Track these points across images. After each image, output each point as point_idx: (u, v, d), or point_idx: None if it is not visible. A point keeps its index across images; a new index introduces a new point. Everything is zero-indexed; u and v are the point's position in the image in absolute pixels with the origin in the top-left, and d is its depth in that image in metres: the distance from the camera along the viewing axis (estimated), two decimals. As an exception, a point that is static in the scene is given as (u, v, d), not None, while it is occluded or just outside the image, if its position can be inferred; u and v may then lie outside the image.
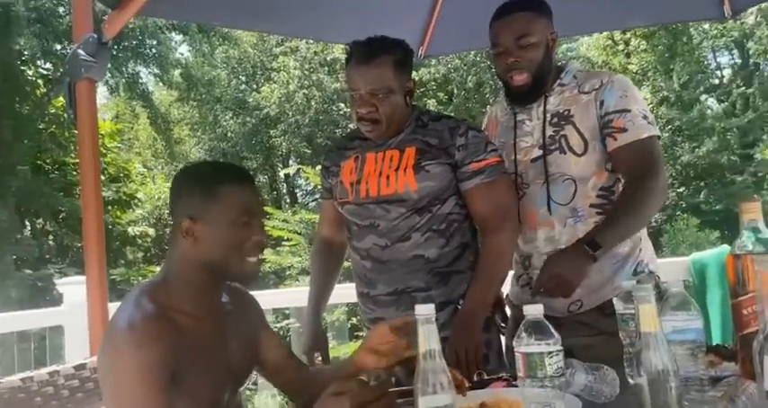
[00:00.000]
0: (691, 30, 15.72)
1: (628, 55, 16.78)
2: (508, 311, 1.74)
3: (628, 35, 16.52)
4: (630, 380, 1.25)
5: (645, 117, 1.55)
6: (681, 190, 15.21)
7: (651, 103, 16.10)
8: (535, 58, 1.57)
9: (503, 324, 1.70)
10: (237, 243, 1.13)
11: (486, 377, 1.34)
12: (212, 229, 1.11)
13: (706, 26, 15.64)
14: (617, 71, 16.94)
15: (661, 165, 1.54)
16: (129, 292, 1.12)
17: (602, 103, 1.56)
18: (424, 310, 0.89)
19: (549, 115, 1.61)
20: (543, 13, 1.60)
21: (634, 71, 16.52)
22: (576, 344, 1.37)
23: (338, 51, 13.59)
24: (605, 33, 16.73)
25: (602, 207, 1.59)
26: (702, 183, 15.26)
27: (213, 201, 1.12)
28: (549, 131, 1.60)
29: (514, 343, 0.88)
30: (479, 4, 1.70)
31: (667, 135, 15.39)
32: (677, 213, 14.56)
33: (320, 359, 1.71)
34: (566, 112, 1.60)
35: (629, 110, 1.54)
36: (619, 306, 1.30)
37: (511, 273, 1.75)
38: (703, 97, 16.02)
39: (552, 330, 0.86)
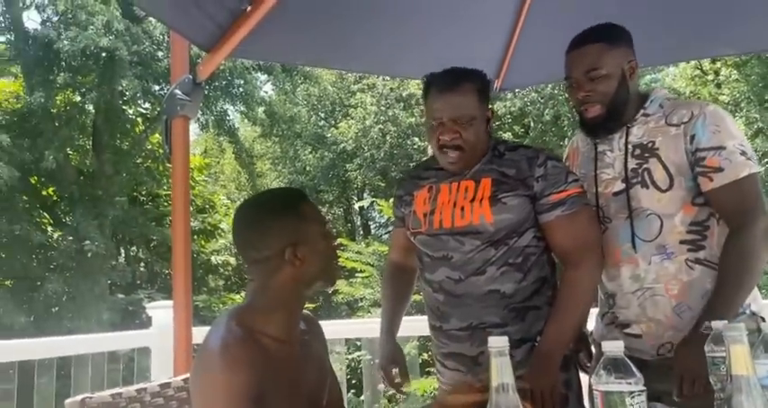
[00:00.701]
0: (787, 57, 14.84)
1: (718, 85, 15.99)
2: (593, 349, 1.67)
3: (718, 65, 15.78)
4: (723, 429, 1.17)
5: (743, 153, 1.44)
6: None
7: (746, 135, 15.20)
8: (608, 91, 1.52)
9: (588, 363, 1.63)
10: (333, 251, 1.25)
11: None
12: (313, 247, 1.19)
13: (804, 54, 14.71)
14: (707, 101, 16.18)
15: (764, 204, 1.43)
16: (219, 317, 1.17)
17: (692, 138, 1.47)
18: (498, 342, 0.88)
19: (631, 146, 1.54)
20: (618, 42, 1.55)
21: (726, 102, 15.69)
22: (664, 390, 1.30)
23: (413, 87, 13.85)
24: (693, 63, 16.11)
25: (694, 243, 1.48)
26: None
27: (305, 222, 1.20)
28: (632, 164, 1.53)
29: (593, 381, 0.84)
30: (556, 35, 1.66)
31: (764, 169, 14.41)
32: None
33: (398, 372, 1.67)
34: (650, 144, 1.52)
35: (725, 148, 1.44)
36: (709, 347, 1.23)
37: (595, 311, 1.68)
38: (804, 128, 14.94)
39: (634, 369, 0.82)
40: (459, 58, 1.57)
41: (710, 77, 16.20)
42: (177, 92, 2.01)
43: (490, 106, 1.58)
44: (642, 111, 1.56)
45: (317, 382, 1.26)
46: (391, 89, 14.46)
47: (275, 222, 1.19)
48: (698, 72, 16.48)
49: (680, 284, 1.48)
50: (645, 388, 0.82)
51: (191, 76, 2.02)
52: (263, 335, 1.12)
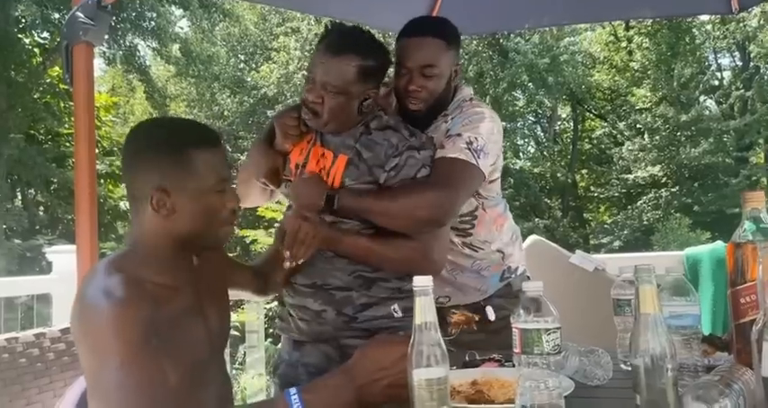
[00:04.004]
0: (693, 30, 15.72)
1: (630, 52, 16.75)
2: None
3: (631, 32, 16.49)
4: (623, 366, 1.26)
5: (469, 143, 1.48)
6: (675, 189, 15.29)
7: (651, 102, 16.14)
8: (436, 90, 1.53)
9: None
10: (214, 213, 1.07)
11: (478, 358, 1.33)
12: (187, 201, 1.04)
13: (709, 27, 15.64)
14: (618, 67, 16.96)
15: (449, 183, 1.44)
16: (95, 265, 1.05)
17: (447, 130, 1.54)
18: (422, 281, 0.87)
19: None
20: (454, 43, 1.56)
21: (635, 68, 16.50)
22: None
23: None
24: (608, 28, 16.72)
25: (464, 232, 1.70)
26: (696, 184, 15.33)
27: (187, 171, 1.04)
28: None
29: (512, 319, 0.86)
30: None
31: (665, 134, 15.42)
32: (670, 212, 14.64)
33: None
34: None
35: (460, 135, 1.49)
36: (615, 291, 1.30)
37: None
38: (702, 98, 16.05)
39: (551, 307, 0.85)
40: (386, 8, 1.46)
41: (624, 44, 16.92)
42: (79, 14, 1.82)
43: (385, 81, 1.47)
44: (444, 112, 1.60)
45: (220, 314, 1.17)
46: (316, 34, 14.01)
47: (149, 159, 1.04)
48: (612, 38, 17.15)
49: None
50: (560, 326, 0.85)
51: (95, -2, 1.83)
52: (146, 281, 1.00)
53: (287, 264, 1.32)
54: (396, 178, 1.38)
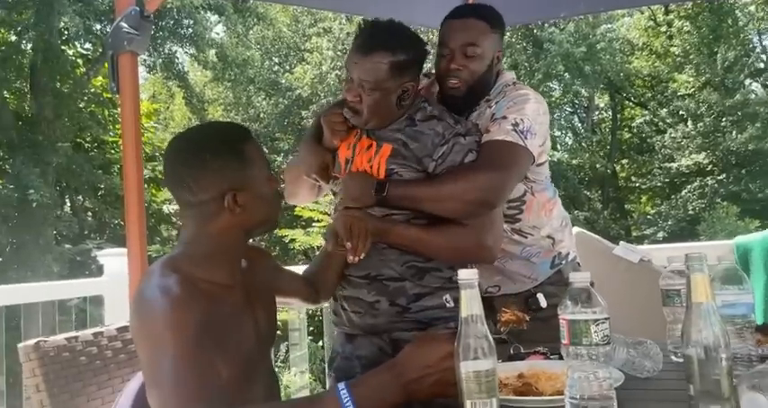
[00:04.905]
0: (736, 11, 15.12)
1: (670, 37, 16.25)
2: None
3: (671, 16, 15.98)
4: (673, 357, 1.23)
5: (515, 124, 1.46)
6: (721, 177, 14.77)
7: (693, 87, 15.62)
8: (477, 70, 1.52)
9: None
10: (276, 196, 1.16)
11: (523, 351, 1.33)
12: (253, 194, 1.10)
13: (752, 8, 15.02)
14: (658, 53, 16.46)
15: (500, 164, 1.44)
16: (151, 267, 1.10)
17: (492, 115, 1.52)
18: (467, 275, 0.88)
19: None
20: (497, 28, 1.55)
21: (676, 53, 16.00)
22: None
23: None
24: (647, 14, 16.25)
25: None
26: (744, 171, 14.77)
27: (248, 165, 1.10)
28: None
29: (559, 311, 0.86)
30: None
31: (709, 120, 14.91)
32: (716, 201, 14.16)
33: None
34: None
35: (506, 118, 1.47)
36: (664, 282, 1.28)
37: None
38: (747, 81, 15.45)
39: (599, 298, 0.84)
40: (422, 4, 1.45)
41: (663, 29, 16.42)
42: (123, 25, 1.89)
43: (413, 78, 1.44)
44: (486, 97, 1.58)
45: (268, 313, 1.22)
46: (348, 33, 14.08)
47: (215, 163, 1.08)
48: (651, 23, 16.66)
49: None
50: (608, 316, 0.84)
51: (138, 8, 1.89)
52: (201, 281, 1.05)
53: (350, 258, 1.34)
54: (443, 165, 1.39)
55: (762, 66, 15.41)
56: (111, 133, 11.42)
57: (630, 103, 17.98)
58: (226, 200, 1.07)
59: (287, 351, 4.27)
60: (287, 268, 1.49)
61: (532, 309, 1.57)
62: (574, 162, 16.96)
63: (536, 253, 1.65)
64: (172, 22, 12.50)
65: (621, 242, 2.75)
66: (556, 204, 1.71)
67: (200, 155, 1.09)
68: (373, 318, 1.42)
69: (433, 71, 1.63)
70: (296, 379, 3.92)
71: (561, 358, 0.97)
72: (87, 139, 12.00)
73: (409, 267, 1.40)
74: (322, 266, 1.48)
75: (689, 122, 15.31)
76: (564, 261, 1.68)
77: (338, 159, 1.52)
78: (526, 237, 1.65)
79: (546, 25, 14.43)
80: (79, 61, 12.06)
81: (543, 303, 1.61)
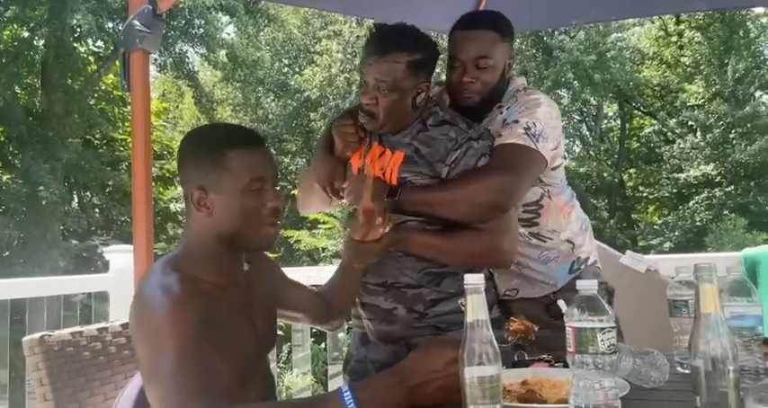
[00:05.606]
0: (748, 23, 15.06)
1: (681, 47, 16.20)
2: None
3: (682, 26, 15.94)
4: (680, 369, 1.22)
5: (527, 129, 1.46)
6: (730, 189, 14.69)
7: (703, 98, 15.56)
8: (490, 81, 1.51)
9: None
10: (252, 212, 1.09)
11: (527, 358, 1.32)
12: (224, 199, 1.07)
13: (764, 20, 14.96)
14: (668, 63, 16.40)
15: (513, 167, 1.44)
16: (152, 265, 1.11)
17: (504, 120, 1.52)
18: (473, 280, 0.87)
19: None
20: (507, 36, 1.55)
21: (687, 64, 15.95)
22: None
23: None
24: (657, 23, 16.21)
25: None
26: (752, 183, 14.68)
27: (222, 169, 1.07)
28: None
29: (565, 318, 0.86)
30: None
31: (718, 131, 14.85)
32: (724, 212, 14.08)
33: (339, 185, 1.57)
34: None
35: (517, 122, 1.47)
36: (672, 292, 1.27)
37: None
38: (758, 93, 15.37)
39: (607, 306, 0.84)
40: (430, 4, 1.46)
41: (674, 39, 16.37)
42: (136, 23, 1.89)
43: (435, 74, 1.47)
44: (498, 104, 1.57)
45: (268, 319, 1.22)
46: (358, 37, 14.12)
47: (190, 160, 1.11)
48: (662, 33, 16.62)
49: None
50: (615, 325, 0.83)
51: (150, 7, 1.90)
52: (201, 281, 1.06)
53: (380, 231, 1.33)
54: (456, 170, 1.39)
55: (773, 78, 15.33)
56: (120, 130, 11.49)
57: (639, 113, 17.91)
58: (193, 196, 1.08)
59: (289, 352, 4.27)
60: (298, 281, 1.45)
61: (553, 316, 1.51)
62: (581, 170, 16.91)
63: (554, 258, 1.64)
64: (183, 22, 12.56)
65: (628, 251, 2.73)
66: (574, 207, 1.69)
67: (185, 149, 1.13)
68: (390, 325, 1.42)
69: (443, 78, 1.62)
70: (298, 380, 3.91)
71: (566, 366, 0.96)
72: (97, 136, 12.08)
73: (426, 274, 1.41)
74: (336, 283, 1.45)
75: (698, 133, 15.25)
76: (583, 266, 1.66)
77: (350, 169, 1.52)
78: (545, 241, 1.63)
79: (556, 33, 14.42)
80: (91, 58, 12.15)
81: (564, 308, 1.58)
